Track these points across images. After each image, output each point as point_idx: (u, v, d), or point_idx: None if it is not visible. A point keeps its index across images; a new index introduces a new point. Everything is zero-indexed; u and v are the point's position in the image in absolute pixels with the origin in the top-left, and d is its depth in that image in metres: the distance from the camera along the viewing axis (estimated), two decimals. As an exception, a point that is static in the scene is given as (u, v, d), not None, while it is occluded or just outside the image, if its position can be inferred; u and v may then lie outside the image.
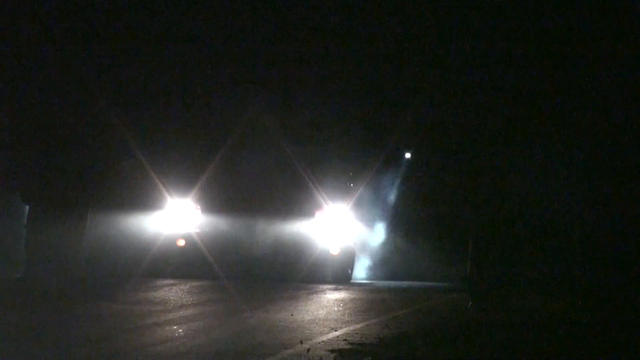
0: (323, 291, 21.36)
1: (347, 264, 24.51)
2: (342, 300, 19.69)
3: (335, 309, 18.05)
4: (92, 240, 24.81)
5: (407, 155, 27.39)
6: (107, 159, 24.57)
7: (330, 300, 19.70)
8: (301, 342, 13.36)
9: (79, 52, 24.13)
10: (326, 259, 24.33)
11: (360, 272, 26.16)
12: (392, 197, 26.96)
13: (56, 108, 23.68)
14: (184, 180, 25.39)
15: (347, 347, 13.16)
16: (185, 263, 24.95)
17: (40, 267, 23.43)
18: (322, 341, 13.68)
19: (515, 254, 20.48)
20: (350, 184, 25.21)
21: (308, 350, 12.74)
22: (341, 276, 24.03)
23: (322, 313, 17.20)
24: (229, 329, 14.93)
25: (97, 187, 24.64)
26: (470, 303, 18.75)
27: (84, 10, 24.52)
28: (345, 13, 26.00)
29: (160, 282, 22.93)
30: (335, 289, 21.86)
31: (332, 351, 12.73)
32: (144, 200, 25.52)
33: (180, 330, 14.78)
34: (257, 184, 25.50)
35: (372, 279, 24.30)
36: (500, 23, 21.43)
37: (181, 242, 25.37)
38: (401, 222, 26.69)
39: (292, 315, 16.68)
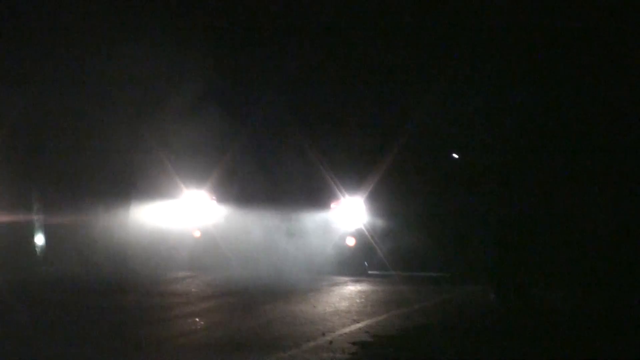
0: (345, 283, 21.70)
1: (363, 255, 24.59)
2: (363, 292, 20.00)
3: (357, 300, 18.38)
4: (109, 234, 25.25)
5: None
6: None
7: (351, 292, 20.02)
8: (323, 334, 13.76)
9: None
10: (342, 251, 24.48)
11: (378, 263, 26.30)
12: (410, 190, 27.07)
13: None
14: (200, 172, 25.52)
15: (369, 339, 13.55)
16: (201, 254, 25.11)
17: (64, 261, 24.05)
18: (345, 333, 14.05)
19: (538, 247, 20.77)
20: (366, 176, 25.30)
21: (330, 342, 13.17)
22: (357, 268, 24.08)
23: (344, 305, 17.51)
24: (251, 321, 15.31)
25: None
26: (493, 295, 19.00)
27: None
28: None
29: (179, 274, 23.29)
30: (357, 281, 22.17)
31: (354, 343, 13.13)
32: (159, 191, 25.72)
33: (202, 323, 15.32)
34: (273, 175, 25.66)
35: (389, 271, 24.47)
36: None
37: (197, 233, 25.53)
38: (419, 215, 26.79)
39: (314, 307, 17.07)
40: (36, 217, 25.56)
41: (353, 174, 24.77)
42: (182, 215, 25.58)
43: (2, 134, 24.27)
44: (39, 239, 25.68)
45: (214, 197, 25.68)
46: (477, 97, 24.52)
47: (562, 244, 21.30)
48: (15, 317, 15.96)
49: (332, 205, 24.77)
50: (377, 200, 24.89)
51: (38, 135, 25.55)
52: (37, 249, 25.61)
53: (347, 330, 14.37)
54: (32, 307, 17.03)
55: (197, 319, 15.60)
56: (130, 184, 26.03)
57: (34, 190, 25.72)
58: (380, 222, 24.93)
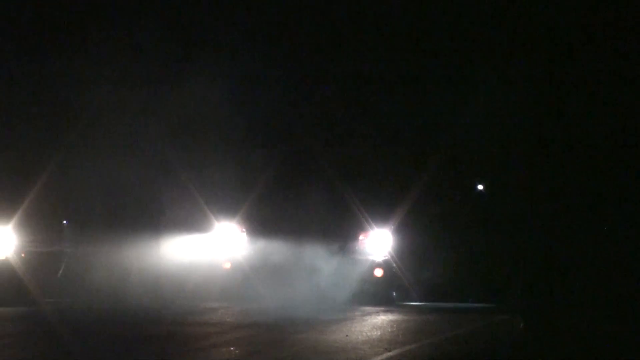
0: (376, 313, 21.91)
1: (390, 286, 24.82)
2: (394, 321, 20.20)
3: (389, 330, 18.61)
4: (142, 265, 25.61)
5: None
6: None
7: (383, 321, 20.25)
8: None
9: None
10: (370, 281, 24.73)
11: (406, 294, 26.39)
12: (437, 222, 27.17)
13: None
14: (230, 205, 25.85)
15: None
16: (232, 285, 25.39)
17: (100, 291, 24.49)
18: None
19: (564, 278, 21.00)
20: (393, 209, 25.43)
21: None
22: (385, 298, 24.42)
23: (375, 334, 17.73)
24: (285, 351, 15.56)
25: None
26: (522, 325, 19.19)
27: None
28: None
29: (210, 304, 23.61)
30: (387, 311, 22.38)
31: None
32: (191, 224, 26.04)
33: (238, 352, 15.52)
34: (302, 207, 25.91)
35: (417, 301, 24.67)
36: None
37: (227, 265, 25.80)
38: (445, 246, 26.85)
39: (346, 336, 17.26)
40: (70, 248, 25.98)
41: (381, 206, 24.98)
42: (213, 247, 25.91)
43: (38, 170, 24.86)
44: (76, 269, 26.12)
45: (243, 230, 25.89)
46: (505, 131, 24.84)
47: (586, 276, 21.48)
48: (61, 346, 16.40)
49: (361, 236, 25.00)
50: (404, 232, 25.10)
51: (73, 169, 26.05)
52: (75, 278, 26.03)
53: (379, 358, 14.53)
54: (73, 335, 17.44)
55: (232, 348, 15.81)
56: (162, 216, 26.39)
57: (68, 222, 26.19)
58: (407, 254, 25.13)
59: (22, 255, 24.97)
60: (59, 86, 26.01)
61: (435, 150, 25.89)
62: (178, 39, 26.84)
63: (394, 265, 24.95)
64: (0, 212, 24.69)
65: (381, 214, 24.97)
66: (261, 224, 25.98)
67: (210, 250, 26.02)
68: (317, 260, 24.92)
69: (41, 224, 25.54)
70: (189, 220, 26.16)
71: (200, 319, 20.46)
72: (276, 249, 25.48)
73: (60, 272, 26.04)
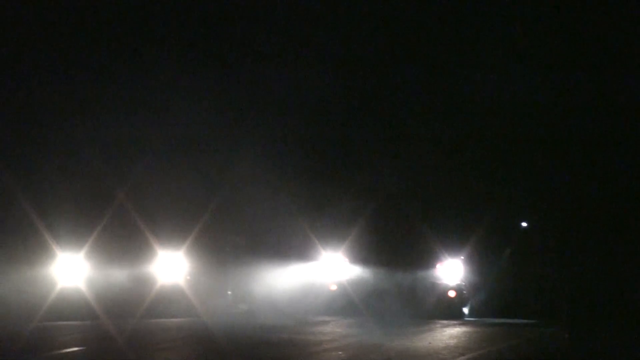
0: (452, 325, 22.06)
1: (461, 304, 24.90)
2: (466, 332, 20.39)
3: (463, 338, 18.86)
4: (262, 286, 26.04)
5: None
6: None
7: (458, 332, 20.41)
8: None
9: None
10: (445, 300, 24.89)
11: (474, 311, 26.26)
12: (498, 252, 27.06)
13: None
14: (336, 237, 26.08)
15: None
16: (336, 303, 25.59)
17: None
18: None
19: (607, 295, 20.87)
20: (464, 243, 25.49)
21: None
22: (456, 314, 24.50)
23: (452, 342, 18.03)
24: (381, 355, 15.93)
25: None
26: (567, 335, 19.27)
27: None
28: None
29: (321, 318, 23.94)
30: (460, 324, 22.53)
31: None
32: (305, 254, 26.41)
33: (344, 355, 15.89)
34: (392, 242, 26.11)
35: (482, 317, 24.61)
36: None
37: (333, 287, 26.09)
38: (505, 272, 26.70)
39: (429, 343, 17.65)
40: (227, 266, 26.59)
41: (453, 241, 25.14)
42: (322, 273, 26.21)
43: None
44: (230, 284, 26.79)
45: (346, 258, 26.20)
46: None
47: (623, 295, 21.30)
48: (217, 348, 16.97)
49: (438, 265, 25.20)
50: (472, 262, 25.21)
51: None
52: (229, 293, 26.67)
53: None
54: (226, 341, 18.05)
55: (340, 353, 16.23)
56: (287, 248, 26.67)
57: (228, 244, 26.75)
58: (474, 278, 25.20)
59: (188, 278, 25.56)
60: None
61: (493, 199, 26.00)
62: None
63: (464, 288, 25.02)
64: (173, 240, 25.16)
65: (454, 247, 25.11)
66: (360, 254, 26.16)
67: (319, 274, 26.28)
68: (404, 283, 25.12)
69: (206, 251, 26.02)
70: (303, 251, 26.41)
71: (315, 330, 20.79)
72: (372, 274, 25.74)
73: (230, 292, 26.60)
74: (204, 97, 26.09)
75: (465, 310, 25.10)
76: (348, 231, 25.88)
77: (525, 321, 23.27)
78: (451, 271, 25.13)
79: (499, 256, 26.24)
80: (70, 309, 23.28)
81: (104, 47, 26.52)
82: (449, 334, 19.89)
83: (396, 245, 26.15)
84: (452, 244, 25.18)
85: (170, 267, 25.30)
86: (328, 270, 26.20)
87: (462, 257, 25.22)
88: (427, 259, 25.37)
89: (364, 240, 26.06)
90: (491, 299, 25.34)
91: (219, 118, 26.04)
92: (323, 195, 26.68)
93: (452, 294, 24.85)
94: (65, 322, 22.29)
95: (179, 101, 26.24)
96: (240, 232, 27.33)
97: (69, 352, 16.51)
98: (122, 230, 24.78)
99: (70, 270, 24.20)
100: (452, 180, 26.74)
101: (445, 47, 26.83)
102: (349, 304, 25.19)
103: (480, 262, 25.48)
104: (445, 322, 22.94)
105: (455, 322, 23.02)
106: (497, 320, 23.63)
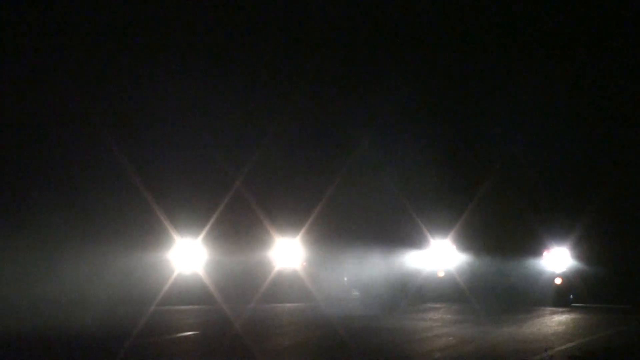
0: (560, 312, 22.01)
1: (568, 291, 24.71)
2: (573, 319, 20.33)
3: (571, 325, 18.86)
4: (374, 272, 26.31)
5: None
6: None
7: (566, 318, 20.36)
8: (545, 350, 14.27)
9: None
10: (552, 287, 24.78)
11: (580, 297, 25.98)
12: (606, 241, 26.65)
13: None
14: (444, 225, 26.19)
15: (580, 355, 14.03)
16: (444, 290, 25.75)
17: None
18: (561, 349, 14.58)
19: None
20: (570, 231, 25.24)
21: (551, 357, 13.73)
22: (562, 301, 24.31)
23: (560, 329, 18.06)
24: (490, 340, 16.03)
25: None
26: None
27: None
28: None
29: (430, 305, 24.09)
30: (567, 311, 22.47)
31: (569, 357, 13.70)
32: (414, 242, 26.58)
33: (454, 341, 16.01)
34: (500, 230, 26.07)
35: (588, 303, 24.37)
36: None
37: (441, 274, 26.23)
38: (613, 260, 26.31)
39: (538, 329, 17.70)
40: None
41: (560, 231, 24.99)
42: (431, 260, 26.34)
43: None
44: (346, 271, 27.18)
45: (455, 246, 26.31)
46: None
47: None
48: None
49: (544, 253, 25.07)
50: (577, 250, 25.02)
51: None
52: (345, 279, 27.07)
53: (563, 347, 14.82)
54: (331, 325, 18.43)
55: (450, 338, 16.36)
56: (396, 236, 26.86)
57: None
58: (581, 266, 25.00)
59: (304, 264, 25.94)
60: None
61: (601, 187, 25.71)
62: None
63: (570, 275, 24.84)
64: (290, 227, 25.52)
65: (560, 236, 24.96)
66: (468, 242, 26.26)
67: (428, 262, 26.40)
68: (511, 270, 25.08)
69: (322, 238, 26.26)
70: (413, 239, 26.58)
71: (425, 316, 20.95)
72: (479, 261, 25.78)
73: (346, 278, 27.00)
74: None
75: (572, 297, 24.91)
76: (456, 219, 25.97)
77: (634, 307, 22.99)
78: (558, 259, 25.00)
79: (603, 243, 25.92)
80: (187, 294, 23.97)
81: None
82: (557, 320, 19.85)
83: (503, 233, 26.14)
84: (559, 232, 25.06)
85: (288, 253, 25.76)
86: (436, 257, 26.33)
87: (569, 246, 25.06)
88: (534, 247, 25.29)
89: (472, 228, 26.11)
90: (598, 285, 25.09)
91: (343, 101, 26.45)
92: (434, 184, 26.72)
93: (558, 281, 24.71)
94: (182, 307, 22.99)
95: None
96: (355, 220, 27.62)
97: (182, 337, 17.02)
98: (240, 217, 25.34)
99: (188, 256, 24.91)
100: (560, 168, 26.48)
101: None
102: (456, 290, 25.30)
103: (586, 250, 25.25)
104: (553, 309, 22.88)
105: (562, 309, 22.95)
106: (604, 306, 23.38)
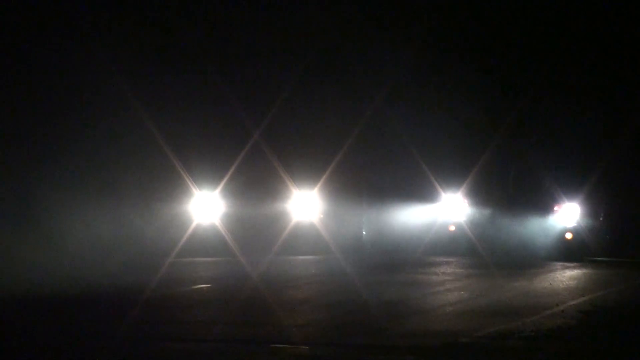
0: (572, 267, 21.96)
1: (578, 246, 24.66)
2: (585, 273, 20.32)
3: (583, 279, 18.88)
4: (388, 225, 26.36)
5: None
6: None
7: (578, 273, 20.35)
8: (557, 305, 14.27)
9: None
10: (562, 242, 24.79)
11: (590, 252, 25.92)
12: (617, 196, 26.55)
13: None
14: (456, 179, 26.15)
15: (592, 309, 13.99)
16: (455, 244, 25.79)
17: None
18: (573, 304, 14.53)
19: None
20: (580, 187, 25.17)
21: (562, 311, 13.69)
22: (573, 255, 24.14)
23: (572, 283, 18.04)
24: (503, 294, 16.02)
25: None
26: None
27: None
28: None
29: (443, 258, 24.05)
30: (579, 265, 22.39)
31: (581, 312, 13.65)
32: (424, 194, 26.55)
33: (466, 295, 16.04)
34: (513, 185, 26.06)
35: (600, 257, 24.40)
36: None
37: (452, 228, 26.24)
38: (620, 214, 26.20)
39: (550, 284, 17.67)
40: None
41: (571, 186, 24.93)
42: (442, 214, 26.36)
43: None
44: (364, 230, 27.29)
45: (466, 200, 26.25)
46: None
47: None
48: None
49: (556, 208, 25.04)
50: (588, 205, 24.97)
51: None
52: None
53: (575, 302, 14.77)
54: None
55: (462, 292, 16.40)
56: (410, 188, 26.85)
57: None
58: (592, 221, 24.98)
59: (321, 216, 25.98)
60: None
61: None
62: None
63: (580, 230, 24.83)
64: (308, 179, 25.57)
65: (571, 192, 24.89)
66: (479, 196, 26.28)
67: (439, 215, 26.41)
68: (523, 225, 25.08)
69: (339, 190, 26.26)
70: (425, 193, 26.53)
71: (437, 270, 20.97)
72: (490, 216, 25.77)
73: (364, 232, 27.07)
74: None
75: (582, 251, 24.91)
76: (467, 172, 25.91)
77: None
78: (568, 214, 25.01)
79: (615, 198, 25.86)
80: (205, 246, 24.05)
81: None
82: (569, 275, 19.83)
83: (514, 188, 26.09)
84: (571, 189, 24.99)
85: (305, 205, 25.80)
86: (448, 211, 26.33)
87: (579, 201, 25.02)
88: (545, 202, 25.28)
89: (483, 183, 26.14)
90: (610, 240, 25.09)
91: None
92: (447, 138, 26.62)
93: (568, 235, 24.73)
94: (200, 259, 23.10)
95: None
96: (372, 173, 27.61)
97: (197, 289, 17.14)
98: (257, 170, 25.32)
99: (206, 209, 24.92)
100: (571, 121, 26.32)
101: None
102: (467, 244, 25.32)
103: (597, 205, 25.21)
104: (564, 263, 22.84)
105: (575, 263, 22.89)
106: (616, 260, 23.40)
